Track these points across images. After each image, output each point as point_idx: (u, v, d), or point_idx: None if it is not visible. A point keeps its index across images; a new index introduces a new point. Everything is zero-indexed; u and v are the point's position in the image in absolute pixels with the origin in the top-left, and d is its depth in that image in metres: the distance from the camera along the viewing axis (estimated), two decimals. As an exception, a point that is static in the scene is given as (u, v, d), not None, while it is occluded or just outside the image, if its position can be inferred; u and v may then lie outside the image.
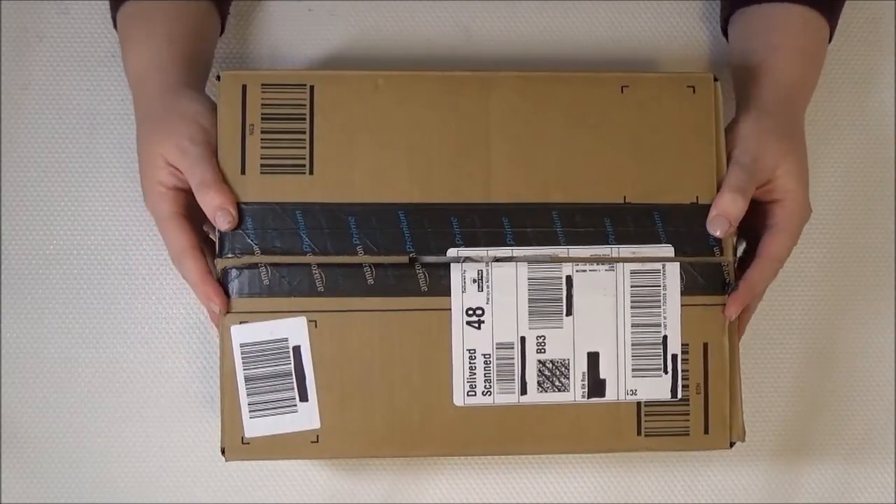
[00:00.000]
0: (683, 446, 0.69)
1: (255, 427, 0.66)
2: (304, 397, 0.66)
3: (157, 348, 0.77)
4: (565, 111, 0.68)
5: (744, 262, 0.70)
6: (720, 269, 0.67)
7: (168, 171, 0.66)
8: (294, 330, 0.66)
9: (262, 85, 0.67)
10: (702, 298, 0.67)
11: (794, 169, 0.68)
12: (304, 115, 0.67)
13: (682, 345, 0.67)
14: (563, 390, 0.67)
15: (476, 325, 0.67)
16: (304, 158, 0.67)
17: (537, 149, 0.67)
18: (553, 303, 0.67)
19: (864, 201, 0.80)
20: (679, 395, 0.68)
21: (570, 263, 0.67)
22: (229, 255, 0.66)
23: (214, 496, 0.77)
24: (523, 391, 0.67)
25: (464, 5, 0.79)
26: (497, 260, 0.67)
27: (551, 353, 0.67)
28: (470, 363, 0.67)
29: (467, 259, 0.66)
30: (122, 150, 0.77)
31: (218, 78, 0.67)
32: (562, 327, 0.67)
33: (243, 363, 0.66)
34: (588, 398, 0.68)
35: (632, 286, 0.67)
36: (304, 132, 0.67)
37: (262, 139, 0.67)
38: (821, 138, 0.80)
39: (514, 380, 0.67)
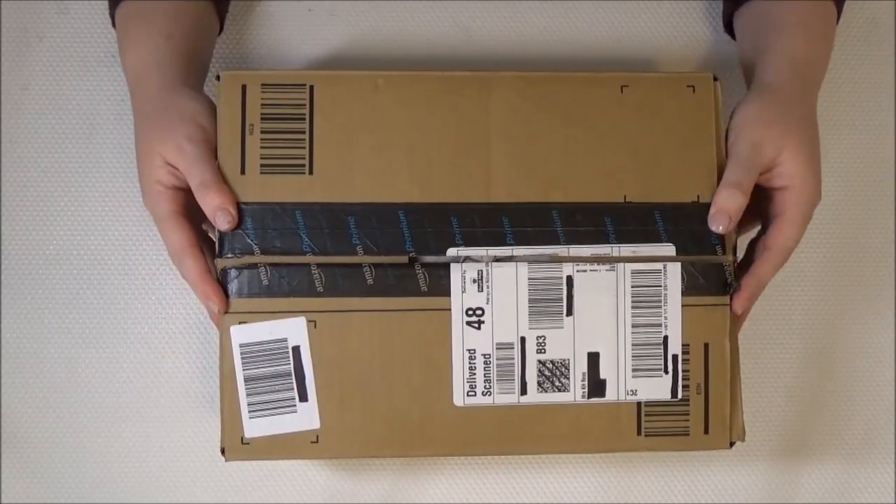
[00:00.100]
0: (683, 446, 0.69)
1: (255, 427, 0.66)
2: (303, 397, 0.66)
3: (157, 348, 0.77)
4: (565, 111, 0.68)
5: (753, 248, 0.69)
6: (722, 270, 0.67)
7: (167, 170, 0.66)
8: (293, 330, 0.66)
9: (262, 85, 0.67)
10: (703, 299, 0.67)
11: (798, 153, 0.66)
12: (304, 114, 0.67)
13: (683, 345, 0.67)
14: (563, 390, 0.67)
15: (476, 325, 0.66)
16: (304, 158, 0.66)
17: (537, 149, 0.67)
18: (553, 303, 0.67)
19: (864, 201, 0.80)
20: (679, 396, 0.68)
21: (571, 263, 0.67)
22: (229, 255, 0.65)
23: (214, 496, 0.77)
24: (523, 391, 0.67)
25: (464, 5, 0.79)
26: (497, 260, 0.66)
27: (551, 354, 0.67)
28: (470, 363, 0.66)
29: (467, 259, 0.66)
30: (122, 151, 0.77)
31: (218, 78, 0.67)
32: (562, 327, 0.67)
33: (243, 363, 0.66)
34: (588, 398, 0.67)
35: (632, 286, 0.67)
36: (304, 132, 0.67)
37: (261, 139, 0.66)
38: (821, 138, 0.78)
39: (514, 380, 0.67)
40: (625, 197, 0.67)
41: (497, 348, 0.67)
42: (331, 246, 0.66)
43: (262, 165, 0.66)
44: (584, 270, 0.67)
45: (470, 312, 0.66)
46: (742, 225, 0.69)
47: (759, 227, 0.70)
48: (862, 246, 0.80)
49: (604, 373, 0.67)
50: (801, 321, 0.80)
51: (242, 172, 0.66)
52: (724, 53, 0.79)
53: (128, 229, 0.77)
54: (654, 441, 0.68)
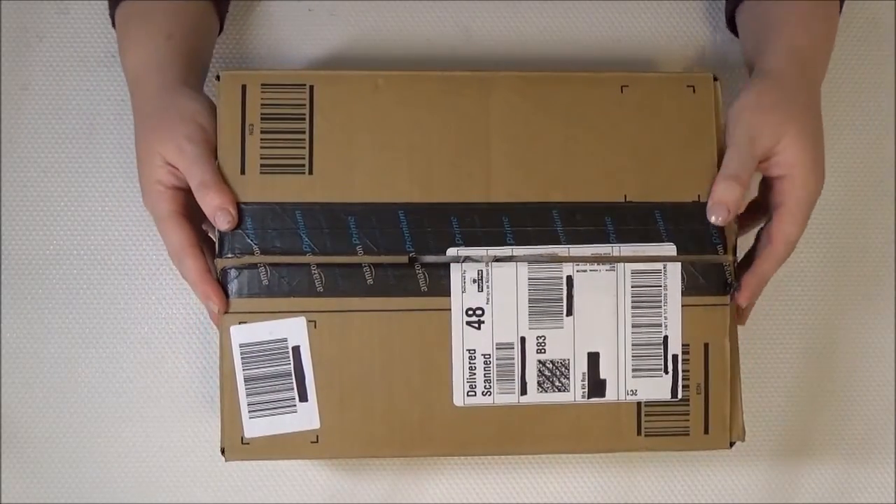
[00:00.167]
0: (683, 446, 0.69)
1: (255, 427, 0.66)
2: (303, 397, 0.66)
3: (157, 348, 0.77)
4: (565, 111, 0.68)
5: (759, 238, 0.69)
6: (722, 270, 0.67)
7: (166, 170, 0.66)
8: (293, 330, 0.66)
9: (262, 85, 0.67)
10: (703, 299, 0.67)
11: (798, 140, 0.65)
12: (304, 114, 0.67)
13: (683, 345, 0.67)
14: (563, 390, 0.67)
15: (476, 325, 0.66)
16: (304, 158, 0.66)
17: (537, 149, 0.67)
18: (553, 303, 0.66)
19: (865, 201, 0.80)
20: (679, 396, 0.67)
21: (571, 263, 0.67)
22: (229, 255, 0.65)
23: (214, 496, 0.77)
24: (523, 391, 0.67)
25: (464, 5, 0.79)
26: (497, 260, 0.66)
27: (551, 354, 0.67)
28: (470, 363, 0.66)
29: (467, 259, 0.66)
30: (122, 151, 0.77)
31: (218, 78, 0.67)
32: (562, 327, 0.67)
33: (243, 363, 0.66)
34: (588, 398, 0.67)
35: (633, 286, 0.67)
36: (304, 132, 0.67)
37: (261, 139, 0.66)
38: (821, 138, 0.79)
39: (513, 380, 0.67)
40: (625, 196, 0.67)
41: (497, 348, 0.66)
42: (331, 246, 0.66)
43: (262, 165, 0.66)
44: (585, 270, 0.66)
45: (470, 312, 0.66)
46: (746, 222, 0.69)
47: (762, 224, 0.70)
48: (862, 246, 0.80)
49: (604, 373, 0.67)
50: (801, 321, 0.79)
51: (242, 172, 0.66)
52: (724, 53, 0.79)
53: (128, 229, 0.77)
54: (654, 441, 0.68)
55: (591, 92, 0.68)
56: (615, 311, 0.67)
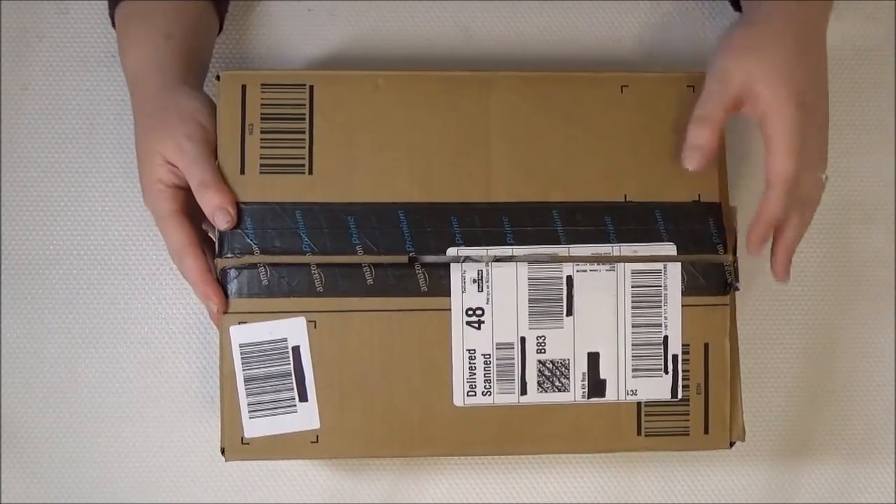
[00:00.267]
0: (683, 446, 0.68)
1: (255, 427, 0.66)
2: (303, 397, 0.66)
3: (157, 348, 0.77)
4: (565, 111, 0.68)
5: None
6: (722, 270, 0.67)
7: (167, 169, 0.65)
8: (293, 330, 0.65)
9: (262, 85, 0.67)
10: (703, 299, 0.67)
11: (770, 77, 0.63)
12: (304, 114, 0.67)
13: (683, 345, 0.67)
14: (563, 390, 0.67)
15: (476, 325, 0.66)
16: (304, 158, 0.66)
17: (537, 149, 0.67)
18: (553, 303, 0.66)
19: (864, 201, 0.80)
20: (679, 396, 0.67)
21: (571, 263, 0.66)
22: (229, 255, 0.65)
23: (214, 496, 0.77)
24: (523, 391, 0.67)
25: (464, 5, 0.79)
26: (497, 259, 0.66)
27: (551, 354, 0.67)
28: (470, 363, 0.66)
29: (467, 259, 0.66)
30: (122, 151, 0.76)
31: (218, 78, 0.67)
32: (562, 327, 0.66)
33: (243, 363, 0.65)
34: (588, 398, 0.67)
35: (633, 286, 0.66)
36: (304, 132, 0.66)
37: (261, 139, 0.66)
38: (820, 138, 0.79)
39: (513, 380, 0.67)
40: (625, 196, 0.67)
41: (497, 348, 0.66)
42: (331, 246, 0.66)
43: (261, 165, 0.66)
44: (585, 270, 0.66)
45: (470, 312, 0.66)
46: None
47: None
48: (862, 246, 0.80)
49: (604, 373, 0.67)
50: (801, 321, 0.79)
51: (242, 172, 0.66)
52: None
53: (128, 229, 0.77)
54: (654, 441, 0.68)
55: (591, 92, 0.68)
56: (615, 311, 0.67)
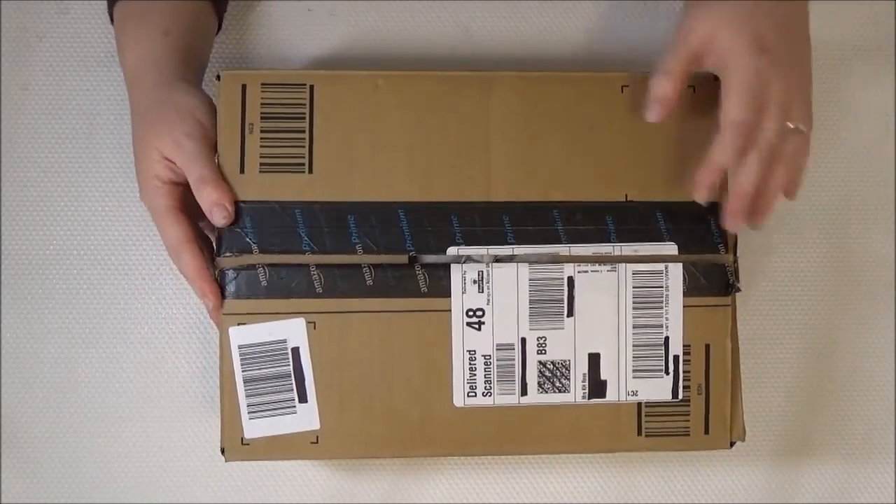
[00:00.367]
0: (684, 446, 0.68)
1: (255, 428, 0.65)
2: (303, 398, 0.65)
3: (157, 348, 0.76)
4: (565, 111, 0.67)
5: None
6: (724, 270, 0.66)
7: (164, 165, 0.65)
8: (293, 331, 0.65)
9: (262, 85, 0.66)
10: (705, 299, 0.66)
11: (730, 26, 0.62)
12: (304, 114, 0.66)
13: (684, 346, 0.66)
14: (564, 391, 0.66)
15: (476, 326, 0.65)
16: (304, 157, 0.65)
17: (537, 149, 0.66)
18: (554, 304, 0.65)
19: (864, 201, 0.79)
20: (680, 396, 0.66)
21: (572, 264, 0.65)
22: (227, 254, 0.64)
23: (214, 496, 0.76)
24: (523, 392, 0.66)
25: (464, 5, 0.78)
26: (497, 260, 0.65)
27: (552, 355, 0.66)
28: (470, 364, 0.65)
29: (468, 259, 0.65)
30: (122, 151, 0.76)
31: (218, 78, 0.66)
32: (563, 328, 0.66)
33: (242, 364, 0.64)
34: (588, 399, 0.66)
35: (634, 287, 0.66)
36: (304, 131, 0.66)
37: (261, 138, 0.65)
38: (821, 138, 0.78)
39: (514, 381, 0.66)
40: (626, 196, 0.66)
41: (497, 349, 0.65)
42: (330, 244, 0.65)
43: (261, 164, 0.65)
44: (586, 271, 0.65)
45: (470, 313, 0.65)
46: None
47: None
48: (862, 246, 0.79)
49: (604, 373, 0.66)
50: (801, 321, 0.78)
51: (242, 171, 0.65)
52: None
53: (128, 229, 0.76)
54: (654, 441, 0.67)
55: (591, 92, 0.67)
56: (616, 312, 0.66)
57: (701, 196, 0.64)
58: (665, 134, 0.67)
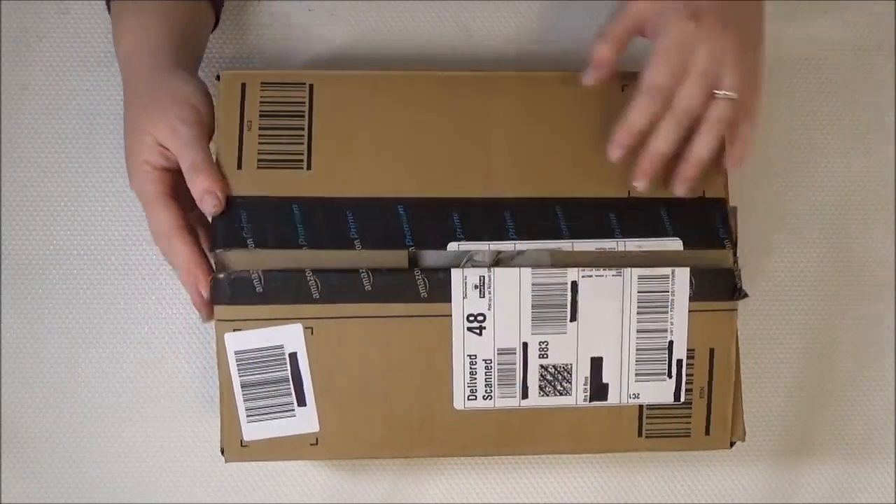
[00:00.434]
0: (684, 447, 0.67)
1: (254, 431, 0.63)
2: (302, 402, 0.64)
3: (157, 348, 0.75)
4: (565, 110, 0.66)
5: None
6: (731, 275, 0.64)
7: (157, 150, 0.63)
8: (290, 337, 0.63)
9: (262, 84, 0.65)
10: (711, 304, 0.64)
11: (671, 6, 0.61)
12: (303, 112, 0.65)
13: (688, 350, 0.65)
14: (565, 394, 0.65)
15: (477, 330, 0.64)
16: (302, 154, 0.64)
17: (538, 147, 0.65)
18: (557, 308, 0.64)
19: (864, 201, 0.78)
20: (682, 399, 0.65)
21: (576, 269, 0.64)
22: (222, 248, 0.63)
23: (214, 496, 0.75)
24: (524, 395, 0.65)
25: (464, 5, 0.77)
26: (498, 262, 0.64)
27: (554, 358, 0.64)
28: (471, 368, 0.64)
29: (469, 260, 0.64)
30: (122, 151, 0.74)
31: (218, 78, 0.65)
32: (565, 333, 0.64)
33: (239, 370, 0.63)
34: (590, 402, 0.65)
35: (639, 292, 0.64)
36: (303, 128, 0.65)
37: (259, 135, 0.64)
38: (821, 139, 0.78)
39: (515, 384, 0.64)
40: (629, 192, 0.65)
41: (499, 353, 0.64)
42: (327, 239, 0.63)
43: (259, 160, 0.64)
44: (590, 276, 0.64)
45: (471, 318, 0.63)
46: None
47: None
48: (862, 246, 0.78)
49: (606, 377, 0.65)
50: (801, 321, 0.77)
51: (239, 167, 0.64)
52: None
53: (128, 229, 0.75)
54: (654, 442, 0.66)
55: (591, 91, 0.66)
56: (620, 317, 0.64)
57: (612, 154, 0.63)
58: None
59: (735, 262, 0.65)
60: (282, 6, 0.77)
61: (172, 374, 0.75)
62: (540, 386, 0.64)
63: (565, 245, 0.64)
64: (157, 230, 0.64)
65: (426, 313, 0.63)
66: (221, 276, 0.63)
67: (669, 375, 0.65)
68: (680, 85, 0.61)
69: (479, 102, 0.66)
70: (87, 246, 0.75)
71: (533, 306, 0.63)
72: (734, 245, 0.65)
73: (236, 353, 0.63)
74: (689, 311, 0.64)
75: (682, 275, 0.64)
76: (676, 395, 0.65)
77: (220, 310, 0.63)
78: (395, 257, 0.63)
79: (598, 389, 0.65)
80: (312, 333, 0.63)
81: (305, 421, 0.64)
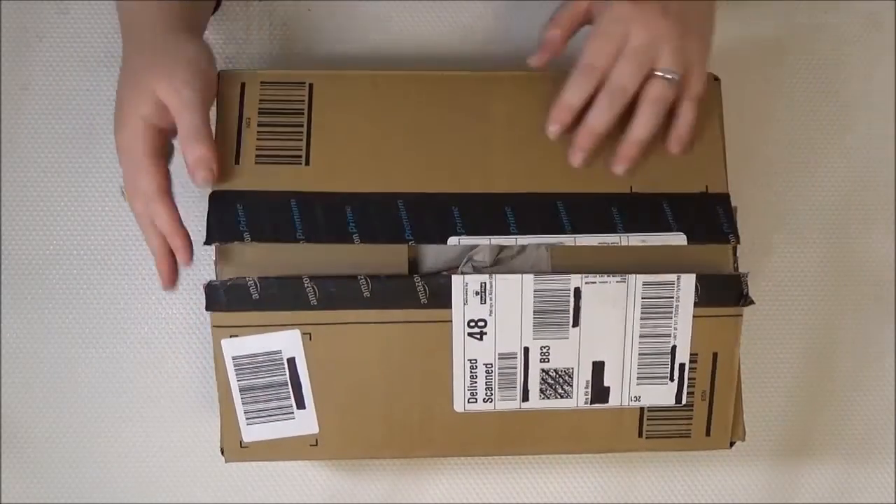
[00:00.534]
0: (684, 447, 0.65)
1: (254, 432, 0.62)
2: (301, 405, 0.62)
3: (157, 348, 0.73)
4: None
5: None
6: (738, 282, 0.63)
7: (155, 107, 0.60)
8: (288, 342, 0.61)
9: (262, 83, 0.64)
10: (716, 310, 0.62)
11: None
12: (303, 109, 0.63)
13: (692, 354, 0.63)
14: (566, 397, 0.64)
15: (478, 335, 0.62)
16: (301, 150, 0.63)
17: (538, 145, 0.63)
18: (559, 314, 0.62)
19: (864, 201, 0.77)
20: (683, 402, 0.64)
21: (580, 275, 0.62)
22: (218, 242, 0.61)
23: (214, 496, 0.74)
24: (525, 398, 0.63)
25: (464, 5, 0.76)
26: (498, 262, 0.63)
27: (555, 363, 0.62)
28: (471, 372, 0.62)
29: (469, 261, 0.63)
30: (122, 151, 0.74)
31: (218, 77, 0.64)
32: (567, 338, 0.62)
33: (237, 374, 0.61)
34: (591, 405, 0.64)
35: (643, 298, 0.62)
36: (302, 125, 0.63)
37: (258, 131, 0.63)
38: (821, 139, 0.77)
39: (515, 388, 0.63)
40: (630, 188, 0.64)
41: (500, 358, 0.62)
42: (325, 234, 0.61)
43: (257, 156, 0.62)
44: (594, 282, 0.62)
45: (472, 324, 0.61)
46: None
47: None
48: (862, 246, 0.77)
49: (608, 380, 0.63)
50: (801, 321, 0.76)
51: (237, 162, 0.62)
52: (724, 53, 0.76)
53: (128, 229, 0.74)
54: (654, 442, 0.65)
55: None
56: (623, 322, 0.62)
57: (550, 131, 0.62)
58: (667, 128, 0.64)
59: (735, 259, 0.64)
60: (282, 6, 0.76)
61: (172, 374, 0.74)
62: (541, 389, 0.63)
63: (567, 240, 0.62)
64: (139, 190, 0.60)
65: (426, 319, 0.61)
66: (217, 282, 0.61)
67: (671, 379, 0.63)
68: (614, 64, 0.61)
69: (479, 102, 0.64)
70: (87, 246, 0.74)
71: (535, 312, 0.62)
72: (738, 240, 0.64)
73: (234, 358, 0.61)
74: (694, 317, 0.63)
75: (688, 281, 0.62)
76: (678, 398, 0.64)
77: (216, 316, 0.61)
78: (394, 252, 0.62)
79: (600, 393, 0.63)
80: (311, 339, 0.61)
81: (305, 423, 0.62)
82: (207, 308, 0.61)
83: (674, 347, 0.63)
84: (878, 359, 0.77)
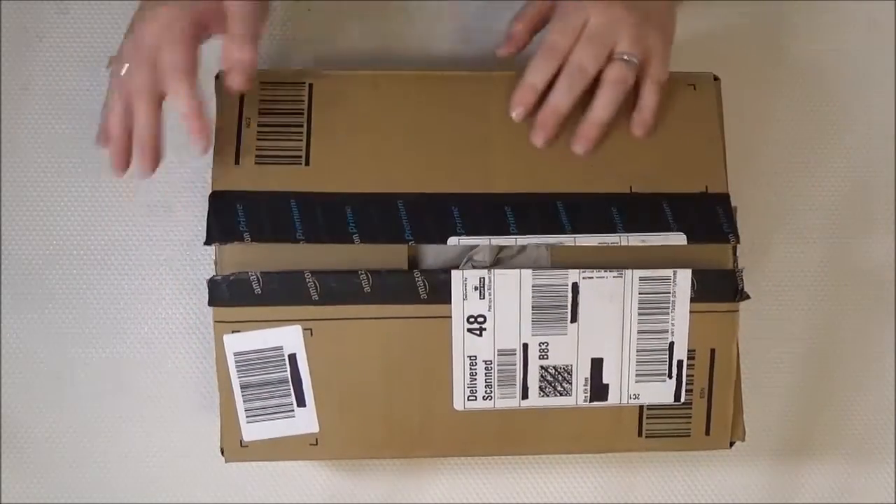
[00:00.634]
0: (684, 447, 0.66)
1: (254, 431, 0.62)
2: (301, 403, 0.62)
3: (157, 348, 0.74)
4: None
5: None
6: (733, 277, 0.63)
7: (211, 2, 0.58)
8: (289, 338, 0.62)
9: (261, 83, 0.64)
10: (713, 305, 0.63)
11: None
12: (302, 109, 0.64)
13: (689, 350, 0.64)
14: (566, 395, 0.64)
15: (477, 332, 0.62)
16: (301, 150, 0.63)
17: (538, 148, 0.64)
18: (558, 310, 0.62)
19: (864, 201, 0.77)
20: (682, 400, 0.64)
21: (577, 270, 0.63)
22: (218, 241, 0.61)
23: (214, 496, 0.74)
24: (524, 396, 0.63)
25: (464, 5, 0.76)
26: (498, 262, 0.63)
27: (554, 359, 0.63)
28: (470, 369, 0.63)
29: (469, 261, 0.63)
30: (122, 150, 0.74)
31: (218, 77, 0.64)
32: (566, 334, 0.63)
33: (238, 371, 0.62)
34: (590, 402, 0.64)
35: (640, 293, 0.62)
36: (302, 125, 0.63)
37: (258, 131, 0.63)
38: (821, 139, 0.77)
39: (515, 385, 0.63)
40: (630, 188, 0.64)
41: (499, 354, 0.63)
42: (325, 234, 0.62)
43: (257, 156, 0.63)
44: (591, 277, 0.62)
45: (471, 320, 0.62)
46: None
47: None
48: (862, 246, 0.77)
49: (607, 377, 0.63)
50: (801, 321, 0.76)
51: (237, 163, 0.63)
52: (724, 53, 0.76)
53: (128, 229, 0.74)
54: (654, 442, 0.65)
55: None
56: (621, 318, 0.63)
57: (514, 114, 0.63)
58: (667, 130, 0.64)
59: (735, 259, 0.64)
60: (282, 6, 0.76)
61: (172, 374, 0.74)
62: (540, 387, 0.63)
63: (567, 240, 0.62)
64: (170, 67, 0.58)
65: (426, 314, 0.62)
66: (219, 277, 0.61)
67: (670, 376, 0.64)
68: (573, 46, 0.62)
69: (479, 102, 0.65)
70: (87, 246, 0.74)
71: (533, 308, 0.62)
72: (738, 240, 0.64)
73: (235, 354, 0.61)
74: (691, 312, 0.63)
75: (684, 276, 0.63)
76: (677, 396, 0.64)
77: (218, 311, 0.62)
78: (394, 252, 0.62)
79: (599, 390, 0.64)
80: (312, 335, 0.62)
81: (305, 421, 0.62)
82: (210, 303, 0.62)
83: (671, 344, 0.63)
84: (878, 359, 0.77)
